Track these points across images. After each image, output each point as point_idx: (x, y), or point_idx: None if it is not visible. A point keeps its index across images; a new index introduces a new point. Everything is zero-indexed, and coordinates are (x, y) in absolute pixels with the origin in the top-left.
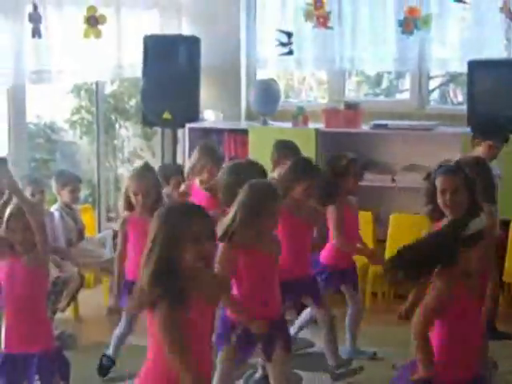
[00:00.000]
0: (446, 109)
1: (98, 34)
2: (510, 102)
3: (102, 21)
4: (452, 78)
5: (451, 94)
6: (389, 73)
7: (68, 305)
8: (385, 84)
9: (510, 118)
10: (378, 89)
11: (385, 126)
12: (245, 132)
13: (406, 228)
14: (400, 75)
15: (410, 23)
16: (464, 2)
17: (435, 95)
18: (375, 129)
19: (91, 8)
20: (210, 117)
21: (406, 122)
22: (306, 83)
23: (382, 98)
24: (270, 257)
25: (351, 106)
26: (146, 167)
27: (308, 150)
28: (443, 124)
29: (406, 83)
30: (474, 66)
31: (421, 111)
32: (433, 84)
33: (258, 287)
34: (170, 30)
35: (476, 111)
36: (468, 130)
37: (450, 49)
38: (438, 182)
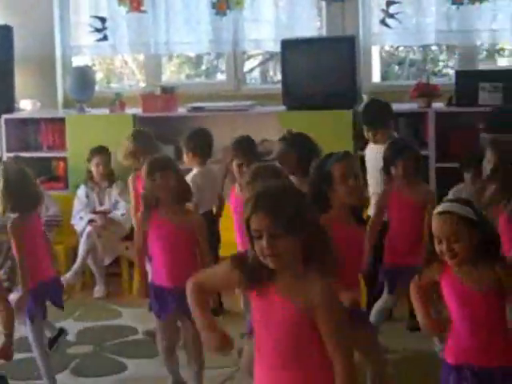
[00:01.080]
0: (263, 88)
1: None
2: (323, 79)
3: None
4: (271, 56)
5: (271, 74)
6: (208, 54)
7: None
8: (205, 65)
9: (322, 94)
10: (199, 70)
11: (201, 109)
12: (62, 120)
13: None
14: (219, 56)
15: (223, 4)
16: None
17: (256, 75)
18: (192, 112)
19: None
20: (26, 106)
21: (223, 104)
22: (128, 68)
23: (200, 80)
24: None
25: (167, 90)
26: None
27: (126, 136)
28: (260, 104)
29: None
30: (287, 45)
31: (238, 92)
32: (253, 63)
33: None
34: None
35: (290, 90)
36: (283, 108)
37: (264, 28)
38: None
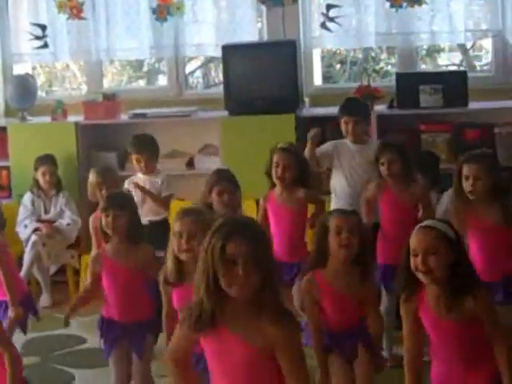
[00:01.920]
0: (205, 93)
1: None
2: (265, 84)
3: None
4: (212, 61)
5: (214, 78)
6: (150, 59)
7: None
8: (147, 71)
9: (264, 99)
10: (141, 75)
11: (144, 115)
12: (3, 129)
13: None
14: (161, 61)
15: (163, 9)
16: None
17: (198, 80)
18: (134, 118)
19: None
20: None
21: (165, 110)
22: (70, 75)
23: (142, 86)
24: None
25: (109, 97)
26: None
27: (68, 144)
28: (202, 109)
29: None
30: (228, 50)
31: (180, 97)
32: (191, 68)
33: None
34: None
35: (232, 95)
36: (226, 113)
37: (205, 33)
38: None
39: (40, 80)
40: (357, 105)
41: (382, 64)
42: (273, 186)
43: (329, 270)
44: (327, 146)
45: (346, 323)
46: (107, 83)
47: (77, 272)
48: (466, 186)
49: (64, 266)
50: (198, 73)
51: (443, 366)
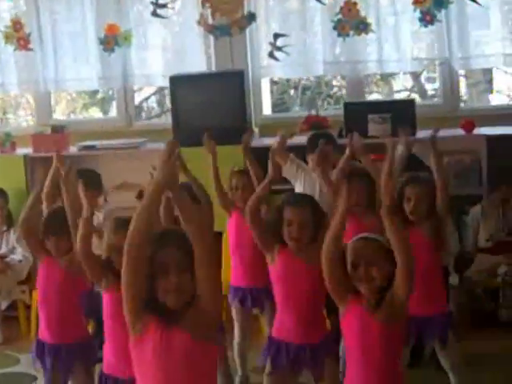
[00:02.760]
0: (154, 124)
1: None
2: (214, 114)
3: None
4: (161, 91)
5: (163, 109)
6: (98, 91)
7: None
8: (96, 102)
9: (213, 129)
10: (90, 107)
11: (93, 148)
12: None
13: None
14: (110, 92)
15: (111, 40)
16: (163, 17)
17: (149, 109)
18: (83, 150)
19: None
20: None
21: (114, 142)
22: (19, 108)
23: (91, 117)
24: None
25: (58, 129)
26: None
27: (17, 177)
28: (152, 140)
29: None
30: (176, 80)
31: (129, 128)
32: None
33: None
34: None
35: (181, 126)
36: None
37: (154, 64)
38: (285, 213)
39: None
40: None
41: (335, 89)
42: (234, 209)
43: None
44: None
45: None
46: (59, 113)
47: (28, 307)
48: (408, 207)
49: (15, 301)
50: (150, 101)
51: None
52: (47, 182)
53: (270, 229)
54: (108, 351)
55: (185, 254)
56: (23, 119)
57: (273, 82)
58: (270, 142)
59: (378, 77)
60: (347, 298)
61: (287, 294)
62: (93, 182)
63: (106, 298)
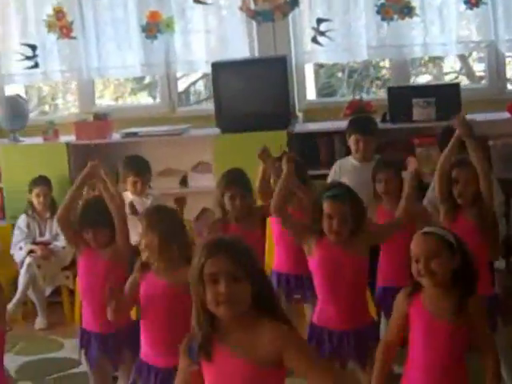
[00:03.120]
0: (196, 110)
1: None
2: (257, 100)
3: None
4: (205, 76)
5: (206, 95)
6: (141, 78)
7: None
8: (138, 90)
9: (256, 115)
10: (133, 94)
11: (135, 134)
12: None
13: None
14: (152, 79)
15: (153, 27)
16: (205, 3)
17: (192, 96)
18: (126, 138)
19: None
20: None
21: (156, 128)
22: (60, 96)
23: (134, 104)
24: None
25: (100, 117)
26: None
27: (60, 164)
28: (194, 126)
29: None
30: (218, 67)
31: (172, 115)
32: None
33: None
34: None
35: (224, 112)
36: (218, 130)
37: (196, 50)
38: (326, 206)
39: (32, 100)
40: (367, 122)
41: (383, 72)
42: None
43: None
44: (333, 171)
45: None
46: (107, 98)
47: (72, 293)
48: (455, 189)
49: (59, 287)
50: (198, 85)
51: (418, 373)
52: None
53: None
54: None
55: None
56: (66, 107)
57: (319, 66)
58: (315, 127)
59: (427, 59)
60: None
61: (328, 285)
62: (143, 168)
63: None
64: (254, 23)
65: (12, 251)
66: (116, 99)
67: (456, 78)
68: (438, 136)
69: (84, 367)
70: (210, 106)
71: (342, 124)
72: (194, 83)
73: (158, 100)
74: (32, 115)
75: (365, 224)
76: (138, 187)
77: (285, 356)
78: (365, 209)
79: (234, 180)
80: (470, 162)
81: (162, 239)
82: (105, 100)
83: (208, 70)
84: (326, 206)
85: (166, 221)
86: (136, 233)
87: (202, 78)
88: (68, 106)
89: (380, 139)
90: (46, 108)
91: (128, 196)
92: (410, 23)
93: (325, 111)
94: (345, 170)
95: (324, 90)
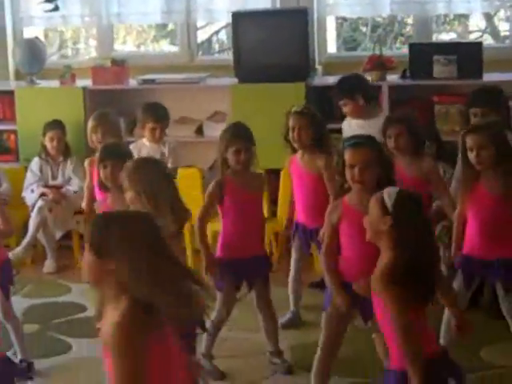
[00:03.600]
0: (215, 60)
1: None
2: (276, 52)
3: None
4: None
5: (225, 45)
6: (161, 25)
7: None
8: (157, 36)
9: (275, 67)
10: (152, 40)
11: (152, 81)
12: (12, 93)
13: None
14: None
15: None
16: None
17: (211, 46)
18: (143, 84)
19: None
20: None
21: (174, 76)
22: (79, 40)
23: (152, 51)
24: None
25: (118, 63)
26: None
27: (76, 109)
28: (212, 75)
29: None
30: (238, 17)
31: (191, 63)
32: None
33: None
34: None
35: (242, 62)
36: (236, 80)
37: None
38: (347, 156)
39: (52, 44)
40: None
41: (408, 28)
42: (293, 151)
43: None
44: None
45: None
46: (130, 44)
47: (82, 237)
48: (471, 157)
49: (70, 231)
50: (221, 34)
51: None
52: None
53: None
54: None
55: None
56: (87, 52)
57: (343, 19)
58: (333, 80)
59: (452, 17)
60: None
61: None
62: (162, 115)
63: None
64: None
65: (24, 194)
66: (138, 46)
67: (480, 36)
68: (468, 96)
69: (90, 312)
70: (231, 56)
71: None
72: (216, 32)
73: (177, 48)
74: (52, 59)
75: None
76: (156, 134)
77: None
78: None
79: (239, 134)
80: (481, 127)
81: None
82: (127, 46)
83: (229, 19)
84: (347, 156)
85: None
86: None
87: (225, 27)
88: (89, 51)
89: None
90: (68, 52)
91: (145, 143)
92: None
93: (345, 65)
94: (350, 128)
95: (347, 44)
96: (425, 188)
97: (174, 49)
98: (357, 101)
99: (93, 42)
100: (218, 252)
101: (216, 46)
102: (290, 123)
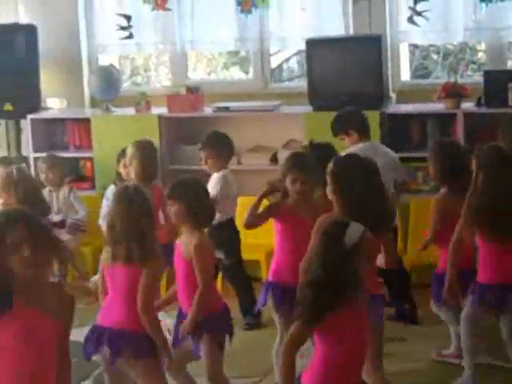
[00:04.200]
0: (289, 87)
1: None
2: (350, 79)
3: None
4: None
5: (298, 72)
6: (235, 52)
7: None
8: (230, 64)
9: (349, 94)
10: (225, 68)
11: (227, 109)
12: (88, 120)
13: None
14: (245, 54)
15: (249, 2)
16: None
17: (281, 73)
18: (217, 112)
19: None
20: (53, 104)
21: (248, 104)
22: (152, 66)
23: (226, 78)
24: None
25: (193, 90)
26: None
27: (152, 136)
28: (286, 103)
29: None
30: (312, 44)
31: (264, 91)
32: (275, 62)
33: None
34: (6, 18)
35: (317, 90)
36: (310, 108)
37: (291, 27)
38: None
39: (125, 71)
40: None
41: (479, 55)
42: None
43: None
44: None
45: None
46: (201, 72)
47: None
48: None
49: None
50: (291, 62)
51: None
52: None
53: None
54: None
55: None
56: (158, 79)
57: (414, 47)
58: (408, 108)
59: None
60: None
61: None
62: (222, 146)
63: None
64: (350, 1)
65: (100, 221)
66: (208, 73)
67: None
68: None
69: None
70: (302, 84)
71: (436, 106)
72: (287, 60)
73: (250, 75)
74: (124, 86)
75: None
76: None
77: None
78: None
79: (297, 164)
80: None
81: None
82: (197, 73)
83: (302, 46)
84: None
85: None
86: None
87: (295, 54)
88: (160, 79)
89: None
90: (139, 79)
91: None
92: (508, 5)
93: (418, 92)
94: None
95: (418, 71)
96: None
97: (247, 76)
98: (351, 135)
99: (163, 69)
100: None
101: (286, 73)
102: None
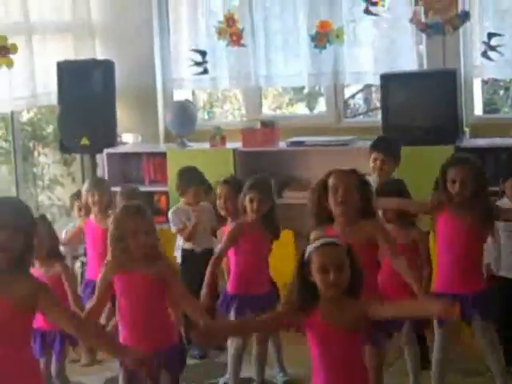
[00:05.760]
0: (362, 122)
1: (10, 64)
2: (424, 114)
3: (13, 50)
4: (366, 88)
5: (372, 106)
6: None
7: None
8: (305, 99)
9: (423, 129)
10: (299, 103)
11: (302, 143)
12: (163, 155)
13: None
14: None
15: (323, 37)
16: (375, 15)
17: (357, 106)
18: (292, 146)
19: (1, 38)
20: (128, 139)
21: (323, 138)
22: (226, 101)
23: (300, 112)
24: None
25: (267, 124)
26: None
27: (226, 171)
28: (360, 138)
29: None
30: (387, 78)
31: (338, 125)
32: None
33: None
34: (84, 54)
35: (391, 125)
36: None
37: (364, 61)
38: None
39: (200, 105)
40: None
41: None
42: None
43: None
44: None
45: None
46: (265, 107)
47: None
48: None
49: None
50: (357, 98)
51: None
52: None
53: None
54: None
55: None
56: (232, 113)
57: (483, 82)
58: (482, 142)
59: None
60: None
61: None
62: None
63: None
64: (423, 35)
65: (175, 254)
66: (274, 109)
67: None
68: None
69: None
70: (371, 118)
71: (510, 141)
72: (353, 96)
73: (321, 110)
74: (199, 120)
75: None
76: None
77: None
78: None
79: (256, 185)
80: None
81: None
82: (264, 109)
83: (375, 81)
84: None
85: None
86: None
87: (362, 89)
88: (233, 113)
89: None
90: (213, 114)
91: None
92: None
93: (490, 127)
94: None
95: (486, 106)
96: None
97: (319, 110)
98: (392, 161)
99: (238, 104)
100: None
101: (349, 110)
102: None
